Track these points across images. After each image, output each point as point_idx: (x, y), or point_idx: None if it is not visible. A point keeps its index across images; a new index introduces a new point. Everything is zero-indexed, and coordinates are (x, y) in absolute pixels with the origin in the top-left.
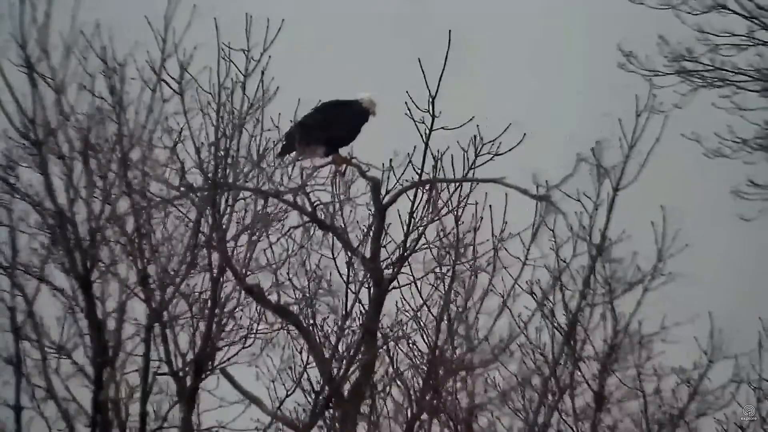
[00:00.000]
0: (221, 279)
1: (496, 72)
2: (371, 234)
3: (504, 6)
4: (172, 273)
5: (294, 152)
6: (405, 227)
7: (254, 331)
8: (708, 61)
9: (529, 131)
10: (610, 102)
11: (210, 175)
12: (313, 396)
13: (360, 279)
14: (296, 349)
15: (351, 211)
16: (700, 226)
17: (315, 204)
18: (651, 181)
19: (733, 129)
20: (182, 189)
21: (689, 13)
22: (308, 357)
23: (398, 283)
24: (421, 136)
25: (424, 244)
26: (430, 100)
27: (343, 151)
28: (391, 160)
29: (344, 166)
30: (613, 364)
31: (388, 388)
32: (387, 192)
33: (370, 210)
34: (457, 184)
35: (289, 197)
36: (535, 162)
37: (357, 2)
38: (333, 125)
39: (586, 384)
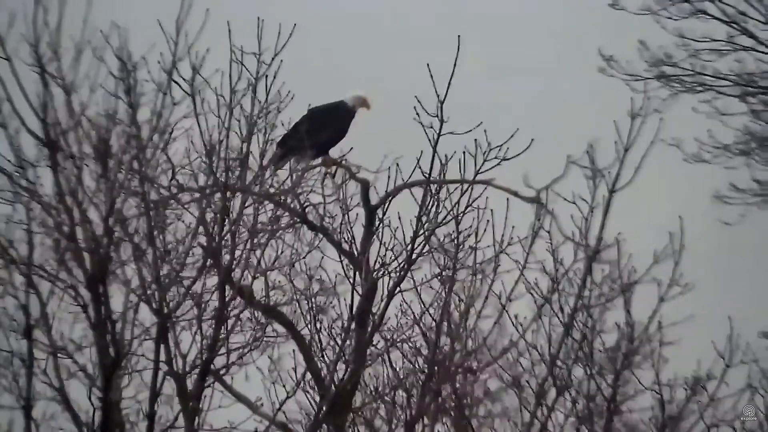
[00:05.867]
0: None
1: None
2: (362, 236)
3: (483, 11)
4: (181, 274)
5: (288, 161)
6: (412, 230)
7: (260, 336)
8: (688, 66)
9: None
10: (589, 107)
11: (220, 177)
12: (313, 400)
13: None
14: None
15: (345, 213)
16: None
17: (305, 205)
18: (637, 184)
19: (713, 134)
20: (190, 190)
21: (669, 18)
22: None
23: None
24: (429, 140)
25: (427, 249)
26: (439, 105)
27: (334, 153)
28: (398, 164)
29: (334, 168)
30: (626, 369)
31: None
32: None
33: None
34: (459, 187)
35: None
36: (532, 167)
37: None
38: (321, 130)
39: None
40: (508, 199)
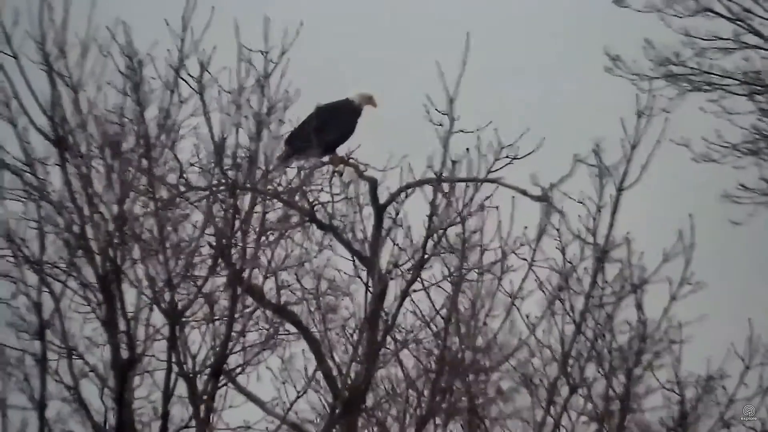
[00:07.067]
0: (240, 281)
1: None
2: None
3: (483, 11)
4: (192, 274)
5: (295, 159)
6: (425, 230)
7: (272, 335)
8: (695, 64)
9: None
10: (591, 106)
11: (230, 175)
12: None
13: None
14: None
15: (355, 212)
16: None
17: (313, 204)
18: (646, 183)
19: (721, 133)
20: (199, 189)
21: (675, 16)
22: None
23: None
24: (439, 138)
25: (439, 249)
26: (449, 102)
27: (341, 152)
28: (410, 164)
29: (342, 166)
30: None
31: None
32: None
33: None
34: (468, 186)
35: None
36: (536, 166)
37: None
38: (328, 128)
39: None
40: (513, 197)
